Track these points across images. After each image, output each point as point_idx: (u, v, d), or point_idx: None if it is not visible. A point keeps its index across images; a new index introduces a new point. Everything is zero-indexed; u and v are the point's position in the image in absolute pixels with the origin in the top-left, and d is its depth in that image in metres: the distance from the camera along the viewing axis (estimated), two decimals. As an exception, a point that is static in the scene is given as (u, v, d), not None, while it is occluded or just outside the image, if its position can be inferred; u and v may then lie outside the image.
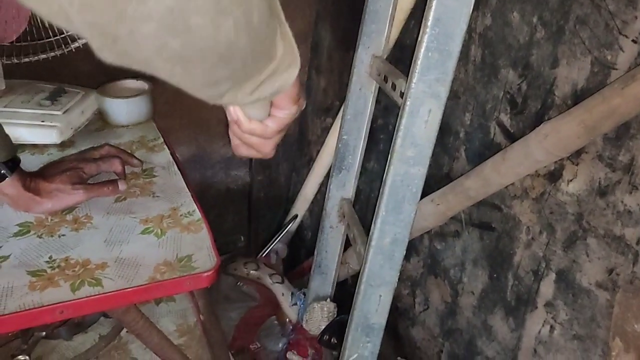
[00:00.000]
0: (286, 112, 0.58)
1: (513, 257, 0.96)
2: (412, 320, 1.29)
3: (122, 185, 0.89)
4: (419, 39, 0.78)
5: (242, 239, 1.75)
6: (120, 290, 0.71)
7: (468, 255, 1.08)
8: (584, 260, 0.82)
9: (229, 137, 0.66)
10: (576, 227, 0.83)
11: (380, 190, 0.87)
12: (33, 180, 0.82)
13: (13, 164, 0.79)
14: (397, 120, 0.83)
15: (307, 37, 1.54)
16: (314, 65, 1.55)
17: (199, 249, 0.80)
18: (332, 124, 1.43)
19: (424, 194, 1.03)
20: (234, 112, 0.59)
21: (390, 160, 0.85)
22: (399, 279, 1.33)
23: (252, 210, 1.76)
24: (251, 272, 1.46)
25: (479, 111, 1.01)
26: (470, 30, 1.00)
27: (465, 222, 1.07)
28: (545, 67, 0.85)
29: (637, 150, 0.73)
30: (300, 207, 1.60)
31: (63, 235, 0.81)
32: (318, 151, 1.48)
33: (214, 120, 1.60)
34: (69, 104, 1.08)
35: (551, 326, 0.89)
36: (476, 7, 0.96)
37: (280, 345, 1.41)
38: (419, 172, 0.86)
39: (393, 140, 0.84)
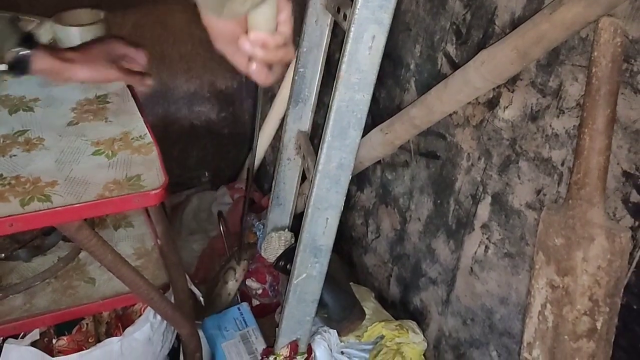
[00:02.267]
0: (287, 11, 0.58)
1: (455, 183, 1.00)
2: (365, 248, 1.35)
3: (149, 81, 0.90)
4: (363, -36, 0.80)
5: (207, 174, 1.77)
6: (69, 205, 0.74)
7: (416, 183, 1.12)
8: (515, 183, 0.87)
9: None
10: (510, 151, 0.87)
11: (326, 116, 0.90)
12: (65, 52, 0.82)
13: (30, 42, 0.78)
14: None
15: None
16: None
17: (148, 169, 0.82)
18: (294, 60, 1.44)
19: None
20: (256, 38, 0.57)
21: (335, 87, 0.87)
22: (353, 209, 1.39)
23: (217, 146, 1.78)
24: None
25: (428, 42, 1.03)
26: (421, -39, 1.02)
27: (414, 152, 1.10)
28: (488, -4, 0.88)
29: (565, 75, 0.77)
30: (263, 142, 1.63)
31: (14, 155, 0.83)
32: (280, 87, 1.49)
33: (176, 56, 1.59)
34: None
35: (486, 246, 0.95)
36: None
37: (241, 273, 1.46)
38: (364, 99, 0.89)
39: (338, 67, 0.86)
